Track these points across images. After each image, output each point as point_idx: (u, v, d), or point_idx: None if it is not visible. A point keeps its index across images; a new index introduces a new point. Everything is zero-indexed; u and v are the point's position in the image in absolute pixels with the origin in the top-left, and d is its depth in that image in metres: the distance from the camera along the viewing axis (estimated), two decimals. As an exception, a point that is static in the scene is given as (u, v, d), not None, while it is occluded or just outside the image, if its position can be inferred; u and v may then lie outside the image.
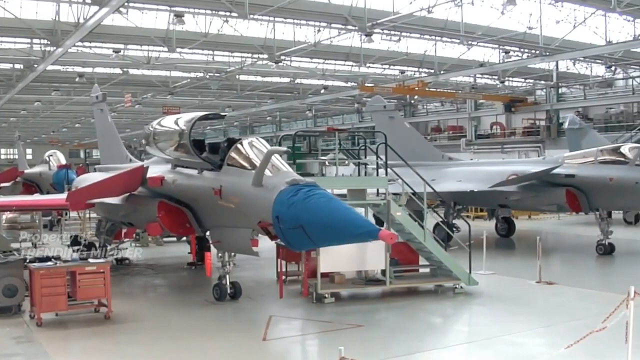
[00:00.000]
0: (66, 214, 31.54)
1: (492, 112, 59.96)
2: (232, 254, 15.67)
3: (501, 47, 39.99)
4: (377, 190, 16.73)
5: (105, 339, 12.72)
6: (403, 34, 36.60)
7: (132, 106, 52.38)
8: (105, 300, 14.08)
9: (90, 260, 14.39)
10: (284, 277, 18.46)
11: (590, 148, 27.22)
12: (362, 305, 15.60)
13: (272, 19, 33.63)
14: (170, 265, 22.33)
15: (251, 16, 30.71)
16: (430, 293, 16.95)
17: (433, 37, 38.27)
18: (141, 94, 53.13)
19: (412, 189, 17.36)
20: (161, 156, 16.59)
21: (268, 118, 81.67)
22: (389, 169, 16.99)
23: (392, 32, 35.38)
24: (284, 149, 13.03)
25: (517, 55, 42.06)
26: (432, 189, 18.09)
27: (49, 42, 32.62)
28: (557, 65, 51.87)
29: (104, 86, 46.28)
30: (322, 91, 53.45)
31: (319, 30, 36.20)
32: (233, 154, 14.18)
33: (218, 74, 45.08)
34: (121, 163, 22.48)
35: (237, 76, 48.27)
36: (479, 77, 54.86)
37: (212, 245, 15.54)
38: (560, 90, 55.57)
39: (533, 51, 39.26)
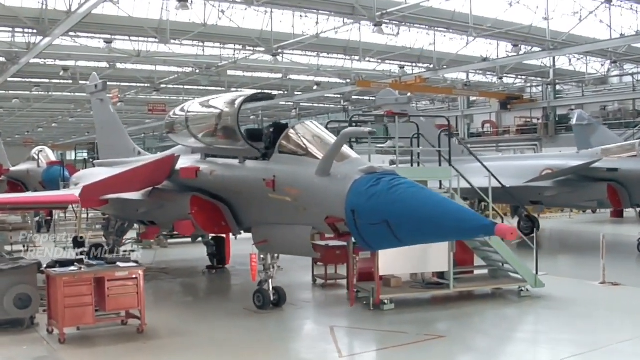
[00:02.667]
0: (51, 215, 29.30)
1: (486, 110, 58.81)
2: (276, 255, 13.73)
3: (508, 40, 38.48)
4: (440, 183, 14.95)
5: (146, 359, 10.66)
6: (406, 25, 35.04)
7: (116, 103, 49.79)
8: (138, 312, 12.00)
9: (120, 264, 12.26)
10: (323, 281, 16.75)
11: (600, 144, 26.08)
12: (426, 313, 13.76)
13: (272, 8, 31.82)
14: (184, 269, 20.21)
15: (256, 2, 28.92)
16: (492, 297, 15.24)
17: (440, 29, 36.66)
18: (124, 91, 50.55)
19: (468, 183, 15.67)
20: (191, 145, 14.50)
21: (252, 117, 79.37)
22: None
23: (400, 23, 33.86)
24: (367, 129, 11.03)
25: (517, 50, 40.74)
26: (500, 182, 16.39)
27: (35, 32, 30.09)
28: (553, 62, 50.81)
29: (88, 82, 43.77)
30: (315, 87, 51.52)
31: (317, 23, 34.57)
32: (286, 140, 12.22)
33: (208, 69, 42.95)
34: (128, 157, 20.27)
35: (227, 72, 46.23)
36: (473, 75, 53.70)
37: (255, 246, 13.38)
38: (556, 88, 54.65)
39: (541, 45, 37.94)
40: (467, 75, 53.54)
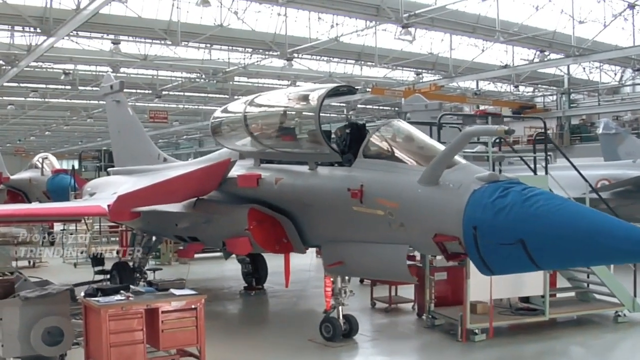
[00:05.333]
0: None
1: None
2: (347, 278, 11.74)
3: (532, 46, 36.90)
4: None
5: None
6: (432, 27, 33.40)
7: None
8: (197, 349, 9.92)
9: (175, 291, 10.17)
10: (387, 305, 14.77)
11: (628, 154, 24.59)
12: (523, 344, 11.79)
13: (293, 7, 29.99)
14: (217, 289, 18.07)
15: (280, 1, 27.10)
16: (582, 323, 13.35)
17: (463, 33, 35.02)
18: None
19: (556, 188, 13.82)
20: (241, 148, 12.49)
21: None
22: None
23: (426, 26, 32.23)
24: (503, 127, 8.94)
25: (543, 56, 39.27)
26: (596, 192, 14.71)
27: (39, 31, 27.94)
28: (568, 70, 49.41)
29: (88, 87, 41.72)
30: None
31: (333, 25, 32.92)
32: (374, 142, 10.24)
33: (215, 74, 41.01)
34: (151, 164, 18.22)
35: (234, 77, 44.32)
36: (484, 84, 52.37)
37: (328, 270, 11.31)
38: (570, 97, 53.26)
39: (564, 51, 36.48)
40: (477, 84, 52.11)
